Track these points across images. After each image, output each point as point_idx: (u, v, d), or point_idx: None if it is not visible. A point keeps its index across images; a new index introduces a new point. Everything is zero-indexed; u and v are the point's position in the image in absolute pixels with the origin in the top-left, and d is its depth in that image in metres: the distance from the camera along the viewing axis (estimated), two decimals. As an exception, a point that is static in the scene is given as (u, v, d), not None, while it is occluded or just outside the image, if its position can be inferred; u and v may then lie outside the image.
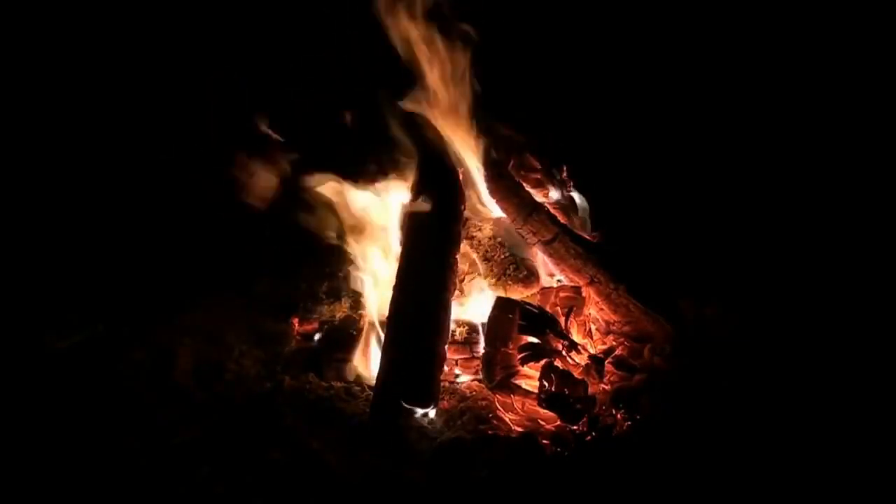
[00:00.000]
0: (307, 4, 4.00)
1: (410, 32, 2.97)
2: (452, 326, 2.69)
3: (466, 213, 3.07)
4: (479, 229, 3.10)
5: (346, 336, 2.88)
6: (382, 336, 2.71)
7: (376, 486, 2.03)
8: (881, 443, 2.09)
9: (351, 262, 3.09)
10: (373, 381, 2.61)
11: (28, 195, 3.78)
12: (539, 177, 3.22)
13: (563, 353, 2.49)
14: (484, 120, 3.10)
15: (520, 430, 2.32)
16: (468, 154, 3.08)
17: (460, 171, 3.07)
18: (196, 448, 2.22)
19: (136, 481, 2.08)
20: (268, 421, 2.38)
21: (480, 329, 2.72)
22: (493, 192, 3.01)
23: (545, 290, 2.85)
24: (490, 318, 2.58)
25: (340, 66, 4.03)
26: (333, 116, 3.61)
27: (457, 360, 2.73)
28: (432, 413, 2.41)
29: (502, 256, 3.01)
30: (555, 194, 3.21)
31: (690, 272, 3.04)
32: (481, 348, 2.60)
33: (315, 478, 2.08)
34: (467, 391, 2.60)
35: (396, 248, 2.97)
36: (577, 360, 2.49)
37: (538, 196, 3.12)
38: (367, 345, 2.82)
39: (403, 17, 2.96)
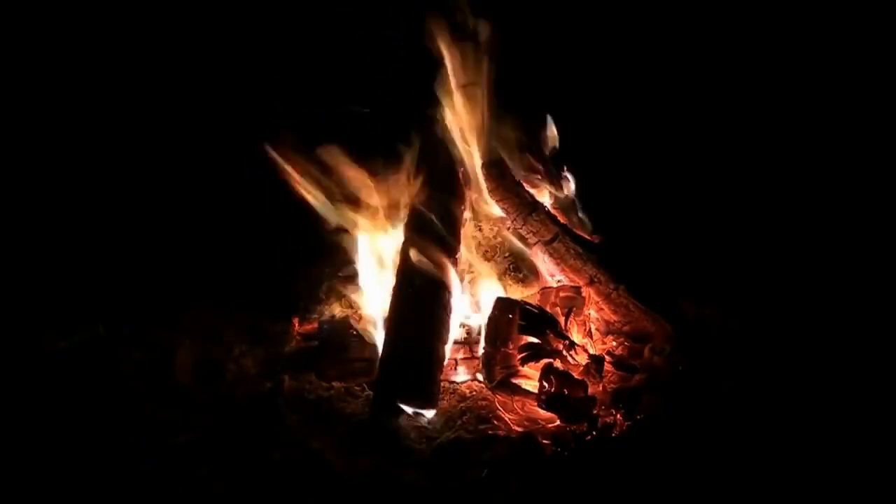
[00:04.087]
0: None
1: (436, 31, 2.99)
2: (452, 326, 2.69)
3: (466, 213, 3.08)
4: (480, 229, 3.11)
5: (346, 336, 2.88)
6: (382, 336, 2.71)
7: (376, 486, 2.03)
8: (881, 443, 2.09)
9: (351, 261, 3.09)
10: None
11: (28, 195, 3.78)
12: (539, 177, 3.22)
13: (563, 353, 2.49)
14: (488, 119, 3.11)
15: (520, 430, 2.32)
16: (469, 153, 3.09)
17: (460, 170, 3.08)
18: (196, 448, 2.22)
19: (137, 481, 2.08)
20: (268, 421, 2.38)
21: (481, 329, 2.72)
22: (493, 192, 3.01)
23: (545, 290, 2.85)
24: (490, 318, 2.58)
25: (345, 66, 4.04)
26: (337, 114, 3.62)
27: (457, 360, 2.73)
28: (432, 413, 2.40)
29: (502, 256, 3.02)
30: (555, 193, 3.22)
31: (690, 272, 3.04)
32: (481, 348, 2.60)
33: (315, 478, 2.08)
34: (467, 391, 2.60)
35: (396, 248, 2.97)
36: (577, 360, 2.49)
37: (538, 196, 3.12)
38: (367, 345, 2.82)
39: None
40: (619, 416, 2.32)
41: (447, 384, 2.62)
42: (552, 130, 3.36)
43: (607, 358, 2.65)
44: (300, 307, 3.12)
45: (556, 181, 3.25)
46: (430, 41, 3.00)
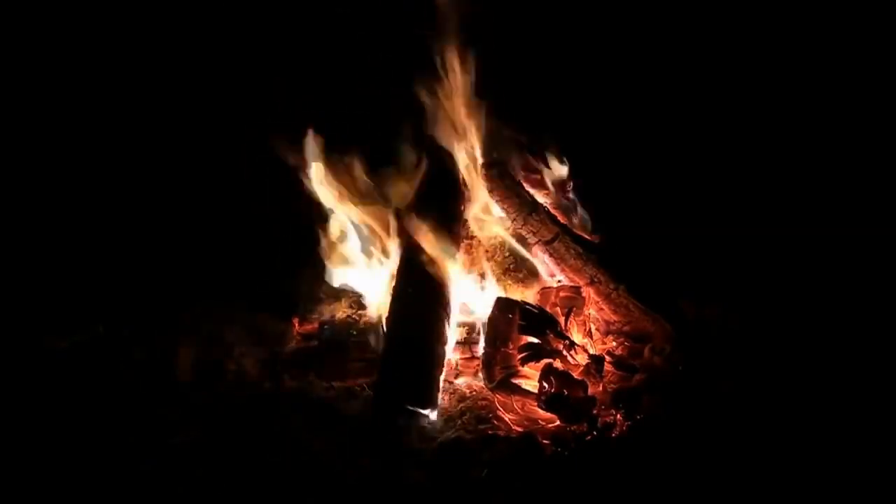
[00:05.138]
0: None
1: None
2: (452, 327, 2.69)
3: (466, 214, 3.08)
4: (480, 229, 3.10)
5: (346, 336, 2.88)
6: (382, 336, 2.71)
7: (376, 486, 2.03)
8: (881, 443, 2.09)
9: (350, 261, 3.09)
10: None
11: (28, 195, 3.79)
12: (539, 177, 3.22)
13: (563, 353, 2.49)
14: (487, 120, 3.11)
15: (520, 430, 2.32)
16: (469, 153, 3.08)
17: (460, 170, 3.07)
18: (196, 448, 2.22)
19: (136, 481, 2.08)
20: (268, 421, 2.38)
21: (480, 329, 2.72)
22: (493, 192, 3.01)
23: (545, 290, 2.85)
24: (490, 318, 2.58)
25: (346, 66, 4.04)
26: (339, 115, 3.62)
27: (457, 360, 2.73)
28: (432, 413, 2.40)
29: (502, 256, 3.01)
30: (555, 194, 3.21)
31: (690, 273, 3.04)
32: (481, 348, 2.60)
33: (315, 478, 2.08)
34: (467, 391, 2.60)
35: (397, 248, 2.97)
36: (577, 360, 2.49)
37: (538, 196, 3.12)
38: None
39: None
40: (619, 416, 2.32)
41: (447, 384, 2.62)
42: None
43: (607, 358, 2.65)
44: (300, 307, 3.11)
45: (557, 181, 3.25)
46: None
